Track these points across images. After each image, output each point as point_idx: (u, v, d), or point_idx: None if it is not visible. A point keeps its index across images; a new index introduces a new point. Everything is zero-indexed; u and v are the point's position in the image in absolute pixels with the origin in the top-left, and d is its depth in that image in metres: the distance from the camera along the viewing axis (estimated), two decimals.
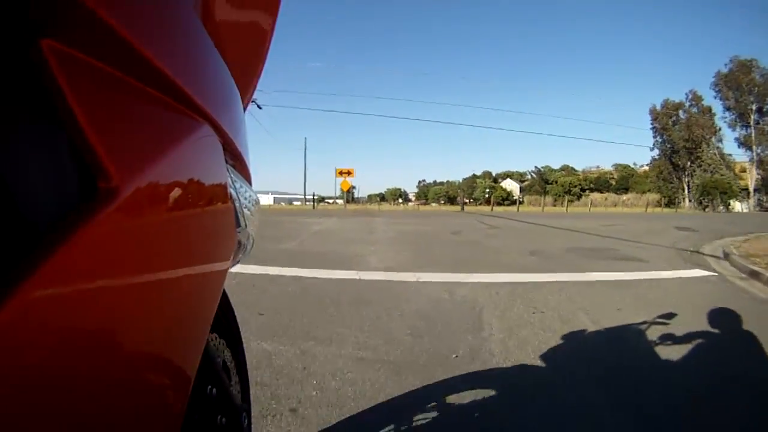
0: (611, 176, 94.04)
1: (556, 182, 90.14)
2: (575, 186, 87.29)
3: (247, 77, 0.64)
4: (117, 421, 0.28)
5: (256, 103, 31.39)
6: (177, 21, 0.33)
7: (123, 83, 0.28)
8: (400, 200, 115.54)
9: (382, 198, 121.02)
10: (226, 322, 0.70)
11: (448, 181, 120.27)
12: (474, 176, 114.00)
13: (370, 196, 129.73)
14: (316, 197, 34.97)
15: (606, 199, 60.62)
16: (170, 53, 0.31)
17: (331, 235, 10.16)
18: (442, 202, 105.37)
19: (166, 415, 0.35)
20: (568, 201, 52.59)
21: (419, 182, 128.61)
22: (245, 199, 0.57)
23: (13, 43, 0.21)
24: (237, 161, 0.55)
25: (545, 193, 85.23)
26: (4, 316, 0.18)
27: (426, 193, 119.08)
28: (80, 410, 0.24)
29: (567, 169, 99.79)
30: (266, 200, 77.22)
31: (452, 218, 19.67)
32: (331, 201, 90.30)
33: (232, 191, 0.48)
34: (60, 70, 0.22)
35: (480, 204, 79.60)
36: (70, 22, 0.23)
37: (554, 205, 46.19)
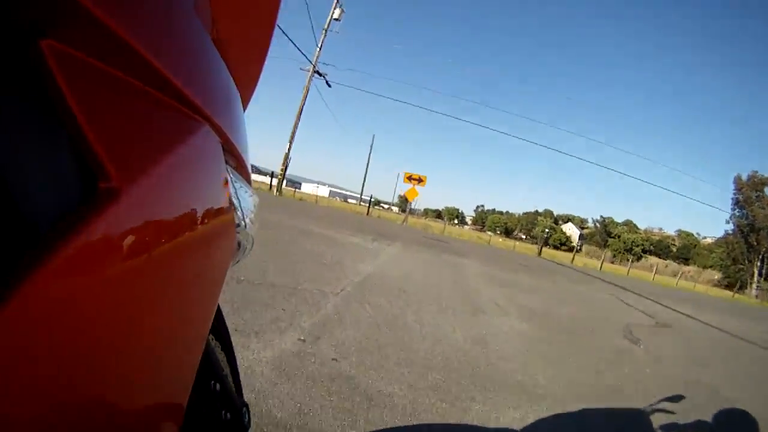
0: (673, 242, 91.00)
1: (619, 237, 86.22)
2: (638, 245, 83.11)
3: (247, 77, 0.63)
4: (119, 419, 0.28)
5: (325, 80, 26.34)
6: (177, 21, 0.33)
7: (123, 83, 0.27)
8: (456, 221, 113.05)
9: (438, 215, 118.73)
10: (217, 323, 0.69)
11: (507, 212, 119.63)
12: (536, 212, 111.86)
13: (426, 210, 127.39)
14: (372, 200, 29.54)
15: (666, 266, 53.32)
16: (170, 53, 0.31)
17: (396, 310, 4.36)
18: (498, 232, 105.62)
19: (168, 412, 0.36)
20: (629, 260, 46.30)
21: (477, 207, 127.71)
22: (245, 200, 0.57)
23: (13, 43, 0.21)
24: (237, 162, 0.55)
25: (606, 246, 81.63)
26: (5, 316, 0.18)
27: (484, 219, 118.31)
28: (83, 407, 0.24)
29: (629, 225, 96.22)
30: (322, 192, 73.54)
31: (561, 276, 13.63)
32: (386, 206, 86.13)
33: (232, 192, 0.48)
34: (60, 70, 0.22)
35: (536, 242, 74.70)
36: (70, 22, 0.22)
37: (612, 262, 39.00)
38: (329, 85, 27.16)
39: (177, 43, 0.33)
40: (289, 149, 25.00)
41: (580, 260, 34.10)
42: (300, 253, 6.04)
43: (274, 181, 25.78)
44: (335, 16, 25.94)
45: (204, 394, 0.53)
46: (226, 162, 0.46)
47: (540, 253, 30.09)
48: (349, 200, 69.20)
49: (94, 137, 0.23)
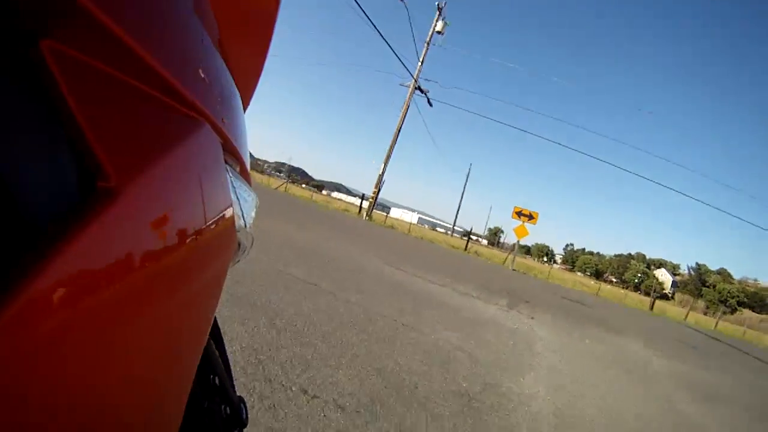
0: None
1: (714, 287, 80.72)
2: (733, 297, 77.37)
3: (247, 77, 0.63)
4: (123, 413, 0.28)
5: (427, 98, 23.93)
6: (176, 21, 0.33)
7: (123, 83, 0.27)
8: (545, 259, 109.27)
9: (528, 251, 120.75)
10: None
11: (598, 253, 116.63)
12: (629, 255, 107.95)
13: (515, 245, 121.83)
14: (470, 234, 26.39)
15: (761, 321, 43.95)
16: (170, 53, 0.31)
17: None
18: (588, 273, 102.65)
19: (170, 407, 0.36)
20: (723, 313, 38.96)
21: (567, 245, 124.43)
22: (244, 200, 0.56)
23: (13, 43, 0.21)
24: (237, 161, 0.54)
25: (700, 296, 77.69)
26: (5, 315, 0.18)
27: (574, 259, 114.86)
28: (87, 403, 0.24)
29: (723, 274, 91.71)
30: (410, 218, 71.47)
31: (733, 363, 10.40)
32: (474, 238, 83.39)
33: (232, 192, 0.47)
34: (60, 71, 0.22)
35: (627, 287, 70.08)
36: (69, 22, 0.22)
37: (705, 314, 32.15)
38: (430, 104, 24.67)
39: (177, 44, 0.32)
40: (383, 171, 22.66)
41: (684, 314, 29.69)
42: (410, 348, 3.16)
43: (365, 204, 23.63)
44: (438, 28, 23.70)
45: (204, 388, 0.54)
46: (226, 162, 0.46)
47: (652, 307, 25.87)
48: (438, 229, 66.19)
49: (93, 137, 0.23)
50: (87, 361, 0.23)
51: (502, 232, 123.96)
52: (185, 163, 0.33)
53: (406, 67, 22.18)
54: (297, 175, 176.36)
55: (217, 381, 0.57)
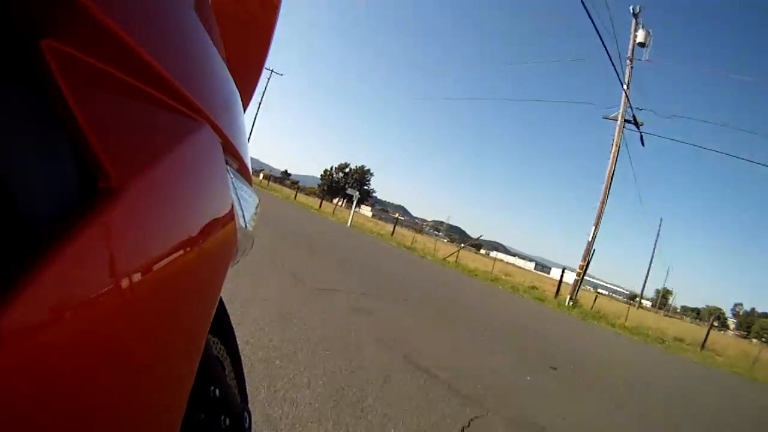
0: None
1: None
2: None
3: (247, 77, 0.64)
4: (117, 421, 0.27)
5: (640, 133, 17.36)
6: (176, 21, 0.33)
7: (123, 83, 0.27)
8: (716, 324, 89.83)
9: (697, 314, 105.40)
10: (219, 320, 0.69)
11: None
12: None
13: (683, 308, 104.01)
14: (620, 290, 18.05)
15: None
16: (170, 53, 0.31)
17: None
18: (764, 339, 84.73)
19: (167, 415, 0.35)
20: None
21: (735, 306, 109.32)
22: (245, 199, 0.57)
23: (13, 43, 0.21)
24: (237, 162, 0.55)
25: None
26: (4, 316, 0.17)
27: (749, 323, 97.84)
28: (80, 410, 0.23)
29: None
30: (568, 279, 61.79)
31: None
32: (632, 301, 71.48)
33: (232, 192, 0.48)
34: (60, 70, 0.22)
35: None
36: (69, 22, 0.22)
37: None
38: (643, 143, 18.10)
39: (177, 43, 0.32)
40: (593, 236, 16.61)
41: None
42: None
43: (566, 280, 17.27)
44: (639, 39, 17.45)
45: (203, 401, 0.52)
46: (227, 162, 0.46)
47: None
48: (600, 291, 55.45)
49: (94, 137, 0.23)
50: (84, 363, 0.23)
51: (671, 293, 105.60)
52: (186, 163, 0.33)
53: (625, 92, 15.95)
54: (455, 234, 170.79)
55: (217, 392, 0.54)
